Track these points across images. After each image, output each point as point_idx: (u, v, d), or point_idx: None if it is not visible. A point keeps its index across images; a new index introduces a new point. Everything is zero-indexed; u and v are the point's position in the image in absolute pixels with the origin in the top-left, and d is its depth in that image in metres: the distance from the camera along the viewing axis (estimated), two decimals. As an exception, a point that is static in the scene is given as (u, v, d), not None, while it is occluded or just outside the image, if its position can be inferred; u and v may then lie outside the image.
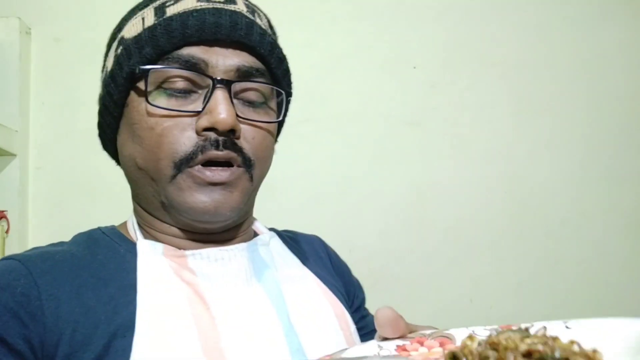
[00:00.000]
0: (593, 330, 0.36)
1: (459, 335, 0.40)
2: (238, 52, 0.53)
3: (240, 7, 0.55)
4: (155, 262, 0.51)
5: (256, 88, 0.55)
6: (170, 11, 0.53)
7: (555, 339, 0.29)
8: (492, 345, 0.29)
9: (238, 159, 0.52)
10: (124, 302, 0.48)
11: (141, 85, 0.52)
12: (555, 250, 1.37)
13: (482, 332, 0.40)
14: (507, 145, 1.39)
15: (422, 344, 0.41)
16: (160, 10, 0.53)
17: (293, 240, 0.67)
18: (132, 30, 0.55)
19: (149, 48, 0.51)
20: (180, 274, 0.51)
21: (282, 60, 0.58)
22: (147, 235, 0.56)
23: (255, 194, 0.60)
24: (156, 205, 0.55)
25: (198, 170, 0.51)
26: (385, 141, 1.37)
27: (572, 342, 0.28)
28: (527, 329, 0.34)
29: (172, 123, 0.51)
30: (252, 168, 0.54)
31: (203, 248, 0.55)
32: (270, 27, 0.62)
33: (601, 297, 1.36)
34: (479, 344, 0.30)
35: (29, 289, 0.47)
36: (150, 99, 0.51)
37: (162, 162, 0.51)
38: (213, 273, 0.53)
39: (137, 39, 0.53)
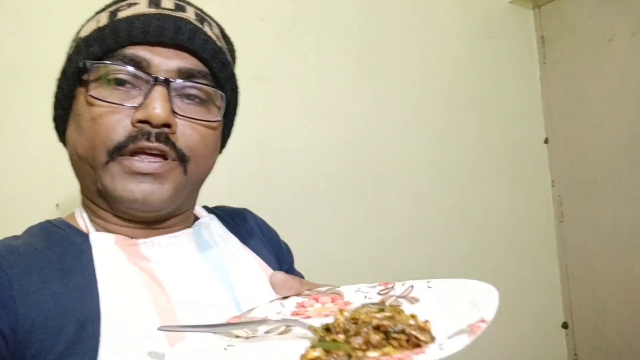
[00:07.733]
0: (446, 290, 0.44)
1: (347, 292, 0.49)
2: (180, 54, 0.57)
3: (189, 15, 0.60)
4: (109, 252, 0.55)
5: (198, 88, 0.59)
6: (121, 15, 0.57)
7: (400, 312, 0.35)
8: (354, 319, 0.34)
9: (171, 153, 0.56)
10: (88, 291, 0.52)
11: (87, 79, 0.56)
12: (384, 200, 1.53)
13: (367, 290, 0.49)
14: (347, 103, 1.49)
15: (317, 300, 0.50)
16: (113, 14, 0.58)
17: (228, 217, 0.74)
18: (85, 30, 0.60)
19: (96, 46, 0.56)
20: (134, 260, 0.56)
21: (225, 65, 0.62)
22: (98, 227, 0.59)
23: (195, 188, 0.65)
24: (96, 194, 0.58)
25: (128, 159, 0.54)
26: (232, 94, 1.35)
27: (411, 316, 0.35)
28: (382, 302, 0.39)
29: (111, 114, 0.54)
30: (186, 162, 0.58)
31: (153, 237, 0.60)
32: (224, 36, 0.68)
33: (422, 241, 1.58)
34: (345, 318, 0.34)
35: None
36: (92, 91, 0.55)
37: (98, 150, 0.55)
38: (165, 258, 0.58)
39: (87, 37, 0.58)
